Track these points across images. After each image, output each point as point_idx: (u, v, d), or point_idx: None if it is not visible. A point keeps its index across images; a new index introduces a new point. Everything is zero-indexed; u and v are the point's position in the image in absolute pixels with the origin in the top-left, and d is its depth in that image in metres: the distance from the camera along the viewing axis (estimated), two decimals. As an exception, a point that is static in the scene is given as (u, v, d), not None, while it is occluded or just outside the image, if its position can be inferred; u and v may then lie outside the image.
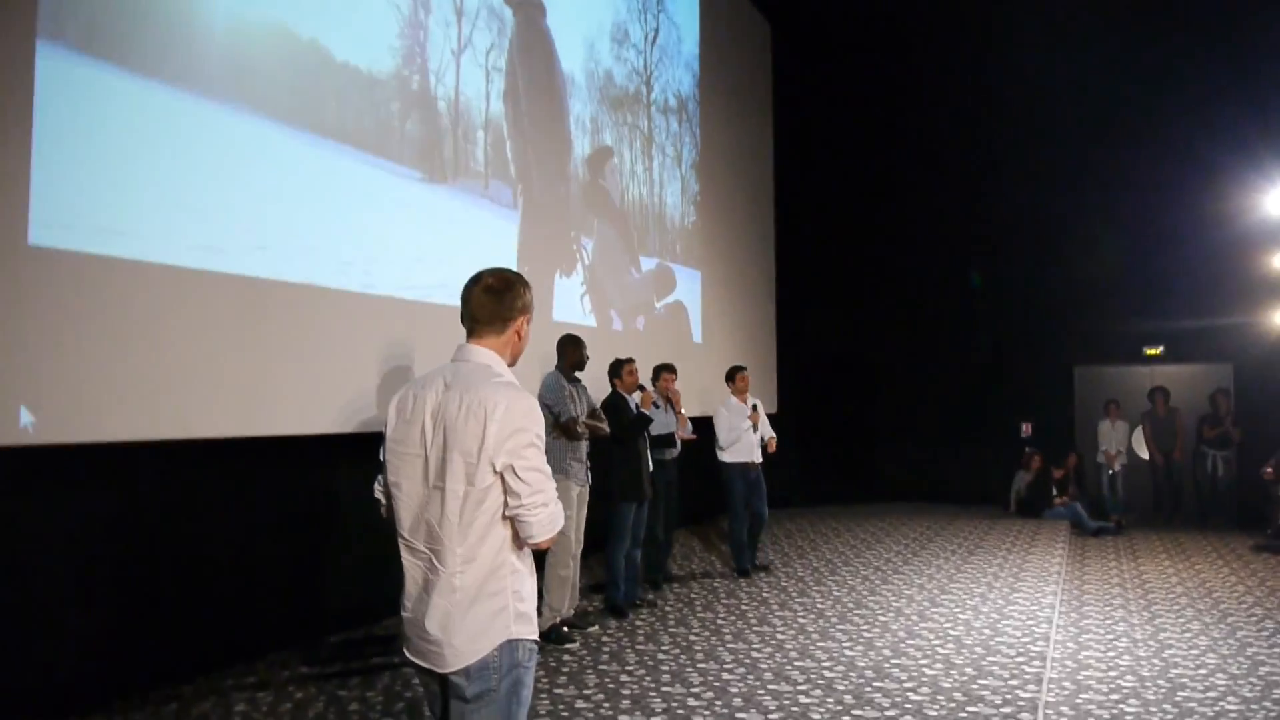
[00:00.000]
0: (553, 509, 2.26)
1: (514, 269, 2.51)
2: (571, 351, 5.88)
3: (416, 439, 2.29)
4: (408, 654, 2.32)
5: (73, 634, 4.24)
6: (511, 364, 2.43)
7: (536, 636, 2.33)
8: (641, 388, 6.44)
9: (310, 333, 5.03)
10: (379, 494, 2.45)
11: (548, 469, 2.28)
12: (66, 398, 3.80)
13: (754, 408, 7.68)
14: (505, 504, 2.23)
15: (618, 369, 6.41)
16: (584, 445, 5.79)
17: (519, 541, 2.27)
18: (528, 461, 2.22)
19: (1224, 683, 4.88)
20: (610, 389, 6.42)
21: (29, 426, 3.63)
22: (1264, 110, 10.48)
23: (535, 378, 6.01)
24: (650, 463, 6.45)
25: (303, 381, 4.97)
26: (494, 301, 2.37)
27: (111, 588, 4.42)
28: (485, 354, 2.37)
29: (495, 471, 2.20)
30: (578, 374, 5.93)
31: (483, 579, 2.22)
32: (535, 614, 2.34)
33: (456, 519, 2.21)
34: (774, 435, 7.96)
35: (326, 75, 5.25)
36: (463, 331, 2.43)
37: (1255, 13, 10.66)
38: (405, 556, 2.30)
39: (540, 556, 4.56)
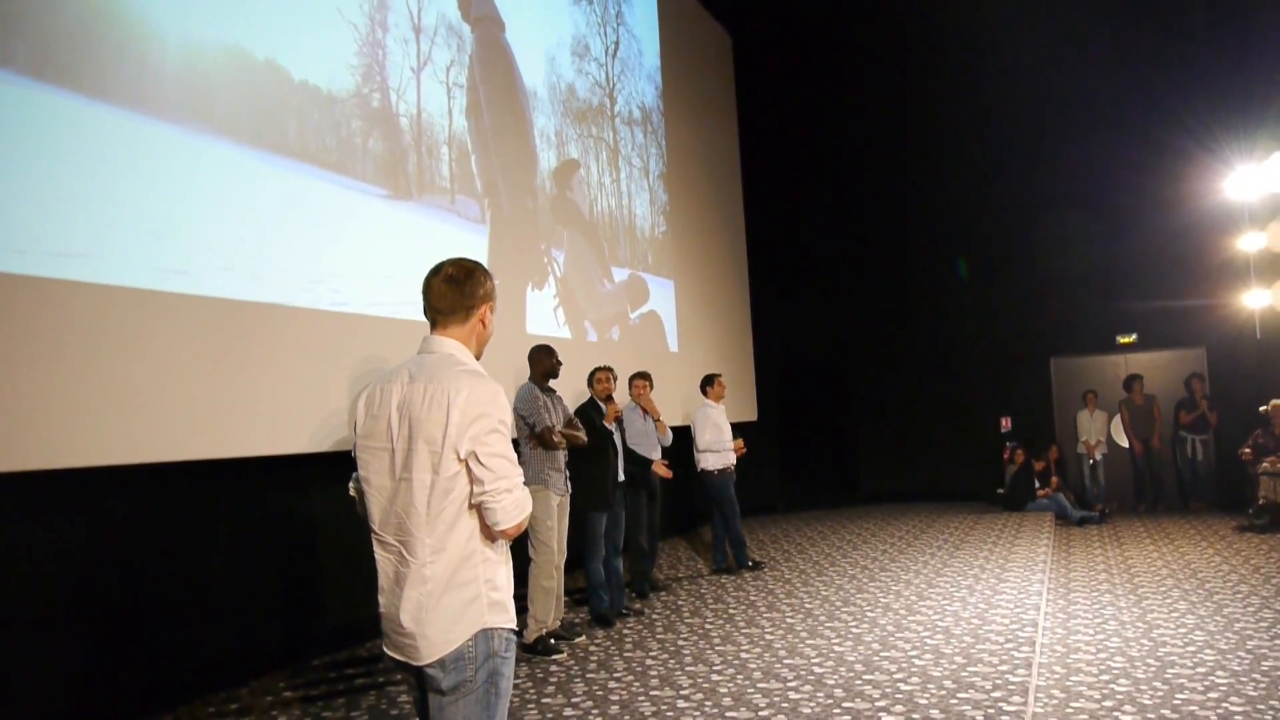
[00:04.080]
0: (518, 495, 2.22)
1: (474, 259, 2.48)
2: (543, 360, 5.84)
3: (383, 433, 2.26)
4: (386, 650, 2.28)
5: (46, 666, 4.14)
6: (478, 355, 2.40)
7: (513, 625, 2.29)
8: (610, 398, 6.36)
9: (280, 352, 4.97)
10: (353, 491, 2.41)
11: (513, 455, 2.25)
12: (30, 424, 3.73)
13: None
14: (471, 492, 2.20)
15: (591, 376, 6.43)
16: (561, 455, 5.75)
17: (489, 530, 2.24)
18: (491, 448, 2.19)
19: (1212, 658, 4.88)
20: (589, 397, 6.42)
21: (-9, 454, 3.56)
22: (1222, 95, 10.64)
23: (510, 391, 5.96)
24: (621, 472, 6.41)
25: (274, 401, 4.91)
26: (455, 291, 2.34)
27: (85, 617, 4.33)
28: (450, 344, 2.35)
29: (460, 459, 2.17)
30: (552, 384, 5.90)
31: (453, 569, 2.19)
32: (511, 603, 2.30)
33: (424, 509, 2.18)
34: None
35: (285, 94, 5.21)
36: None
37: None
38: (377, 551, 2.27)
39: (522, 569, 4.51)
